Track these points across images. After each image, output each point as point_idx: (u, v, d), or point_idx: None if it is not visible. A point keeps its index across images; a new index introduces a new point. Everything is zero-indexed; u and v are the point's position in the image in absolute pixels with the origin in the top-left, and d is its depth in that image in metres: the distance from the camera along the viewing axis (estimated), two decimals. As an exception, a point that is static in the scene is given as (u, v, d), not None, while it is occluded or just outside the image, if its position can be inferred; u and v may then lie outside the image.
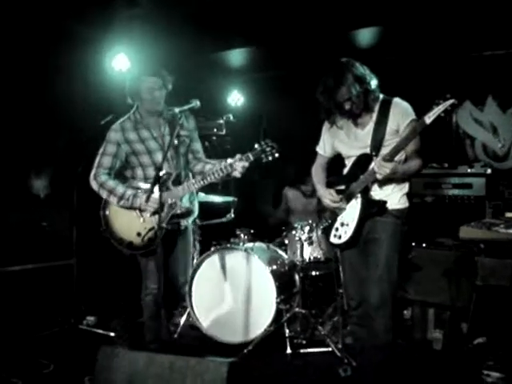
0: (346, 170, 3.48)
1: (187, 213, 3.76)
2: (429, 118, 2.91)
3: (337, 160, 3.68)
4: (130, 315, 4.85)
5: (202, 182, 3.60)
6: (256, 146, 3.44)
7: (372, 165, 3.16)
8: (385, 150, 3.18)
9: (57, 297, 5.11)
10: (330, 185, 3.55)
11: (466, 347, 4.23)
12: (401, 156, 3.18)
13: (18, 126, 5.05)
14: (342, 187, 3.40)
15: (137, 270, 3.96)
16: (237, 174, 3.48)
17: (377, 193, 3.27)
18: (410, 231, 3.48)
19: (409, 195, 3.41)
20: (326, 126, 3.54)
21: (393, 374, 3.30)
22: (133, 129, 3.73)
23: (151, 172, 3.69)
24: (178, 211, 3.64)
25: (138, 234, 3.69)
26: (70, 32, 5.21)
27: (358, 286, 3.43)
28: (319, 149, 3.67)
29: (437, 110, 2.89)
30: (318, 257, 4.89)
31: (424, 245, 4.84)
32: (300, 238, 4.84)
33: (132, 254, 3.82)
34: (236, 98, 7.32)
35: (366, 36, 5.56)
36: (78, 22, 5.20)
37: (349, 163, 3.46)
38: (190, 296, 4.78)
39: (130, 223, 3.72)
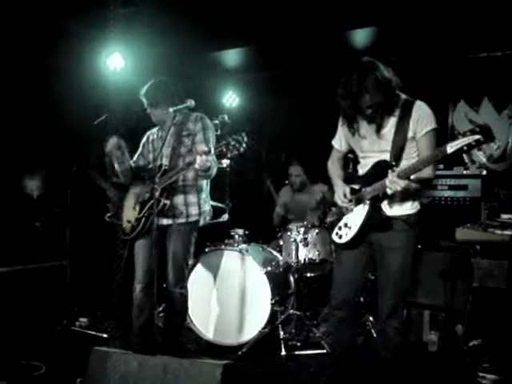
0: (364, 170, 3.35)
1: (171, 211, 3.85)
2: (451, 148, 2.77)
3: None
4: (124, 316, 4.81)
5: (173, 178, 3.74)
6: (223, 140, 3.38)
7: (387, 178, 3.06)
8: (405, 161, 3.10)
9: (49, 298, 5.08)
10: (345, 181, 3.45)
11: (461, 349, 4.23)
12: (419, 174, 3.06)
13: (11, 125, 5.01)
14: (357, 187, 3.32)
15: (130, 272, 4.05)
16: (196, 166, 3.54)
17: (391, 196, 3.18)
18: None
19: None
20: (343, 123, 3.37)
21: (388, 375, 3.28)
22: (156, 131, 4.15)
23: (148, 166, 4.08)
24: (161, 204, 3.77)
25: (128, 221, 4.00)
26: (65, 30, 5.19)
27: (347, 286, 3.37)
28: (335, 143, 3.53)
29: (460, 142, 2.75)
30: (313, 258, 4.87)
31: (420, 246, 4.82)
32: (295, 240, 4.83)
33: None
34: (231, 99, 7.31)
35: (361, 36, 5.55)
36: (73, 21, 5.19)
37: (364, 162, 3.35)
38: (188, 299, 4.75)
39: (127, 210, 4.05)
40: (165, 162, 3.89)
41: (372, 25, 5.28)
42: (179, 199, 3.90)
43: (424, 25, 5.18)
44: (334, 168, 3.57)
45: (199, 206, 3.98)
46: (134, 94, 4.16)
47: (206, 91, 6.96)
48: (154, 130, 4.17)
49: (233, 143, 3.32)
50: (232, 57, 6.51)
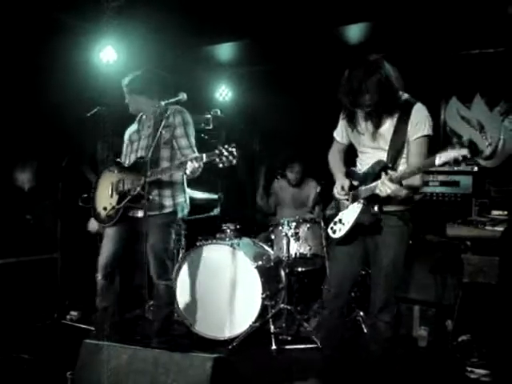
0: (363, 167, 3.34)
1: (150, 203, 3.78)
2: (439, 159, 2.74)
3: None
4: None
5: (158, 176, 3.72)
6: (215, 149, 3.29)
7: (379, 179, 3.04)
8: (403, 160, 3.12)
9: (40, 291, 5.06)
10: (346, 176, 3.44)
11: (450, 344, 4.25)
12: (409, 181, 3.06)
13: (2, 117, 4.98)
14: (356, 183, 3.33)
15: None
16: (188, 172, 3.50)
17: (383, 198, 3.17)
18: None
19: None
20: (343, 117, 3.36)
21: (378, 371, 3.29)
22: (134, 124, 4.19)
23: (127, 160, 4.10)
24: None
25: (104, 209, 4.02)
26: (58, 23, 5.15)
27: (340, 280, 3.39)
28: (337, 135, 3.52)
29: (448, 155, 2.71)
30: (305, 253, 4.88)
31: (410, 242, 4.84)
32: (286, 234, 4.83)
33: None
34: (224, 93, 7.30)
35: (355, 32, 5.55)
36: (66, 14, 5.14)
37: (362, 156, 3.36)
38: (175, 291, 4.75)
39: (104, 196, 4.06)
40: (143, 153, 3.87)
41: (365, 20, 5.28)
42: (153, 191, 3.87)
43: (417, 21, 5.19)
44: (334, 160, 3.57)
45: (173, 197, 3.97)
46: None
47: (199, 85, 6.95)
48: (133, 127, 4.18)
49: (226, 154, 3.24)
50: (225, 51, 6.49)
